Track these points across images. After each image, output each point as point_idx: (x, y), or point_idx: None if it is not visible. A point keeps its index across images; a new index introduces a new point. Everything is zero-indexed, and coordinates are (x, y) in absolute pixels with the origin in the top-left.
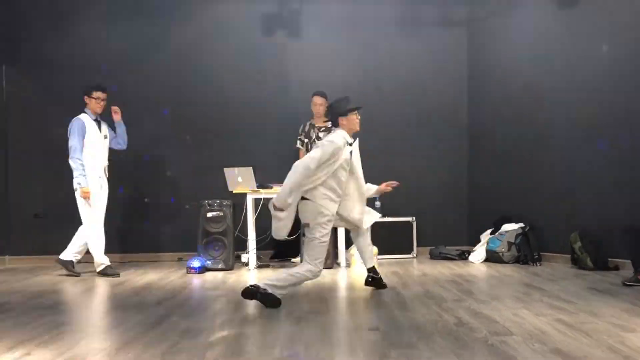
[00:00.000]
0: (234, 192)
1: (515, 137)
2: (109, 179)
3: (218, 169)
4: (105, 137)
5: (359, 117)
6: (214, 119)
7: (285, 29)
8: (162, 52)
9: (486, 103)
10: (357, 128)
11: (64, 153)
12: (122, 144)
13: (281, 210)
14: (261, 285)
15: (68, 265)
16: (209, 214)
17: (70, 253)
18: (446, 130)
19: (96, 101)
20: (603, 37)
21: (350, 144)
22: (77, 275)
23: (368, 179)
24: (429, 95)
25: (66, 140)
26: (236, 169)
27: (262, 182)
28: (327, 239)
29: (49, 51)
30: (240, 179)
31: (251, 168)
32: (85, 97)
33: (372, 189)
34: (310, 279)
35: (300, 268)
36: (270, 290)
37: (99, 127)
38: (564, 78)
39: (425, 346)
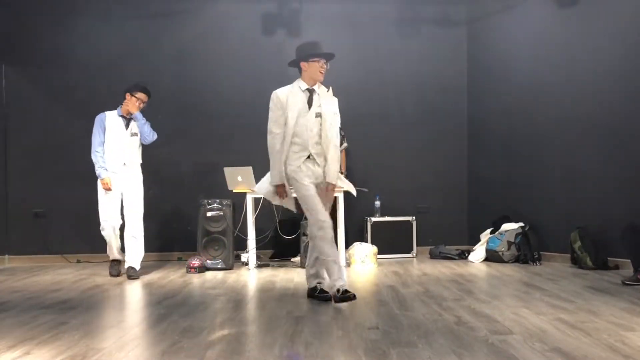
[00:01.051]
0: (234, 191)
1: (515, 136)
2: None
3: (218, 168)
4: (134, 134)
5: (325, 66)
6: (214, 118)
7: (285, 28)
8: (161, 51)
9: (486, 102)
10: (319, 78)
11: (64, 152)
12: (144, 139)
13: (281, 188)
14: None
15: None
16: (209, 214)
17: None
18: (446, 130)
19: (136, 100)
20: (603, 35)
21: (310, 91)
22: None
23: (367, 178)
24: (429, 95)
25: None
26: (236, 169)
27: None
28: (308, 192)
29: (49, 50)
30: (240, 179)
31: (251, 168)
32: (127, 93)
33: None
34: (323, 230)
35: (310, 234)
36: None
37: (127, 124)
38: (563, 77)
39: (425, 345)
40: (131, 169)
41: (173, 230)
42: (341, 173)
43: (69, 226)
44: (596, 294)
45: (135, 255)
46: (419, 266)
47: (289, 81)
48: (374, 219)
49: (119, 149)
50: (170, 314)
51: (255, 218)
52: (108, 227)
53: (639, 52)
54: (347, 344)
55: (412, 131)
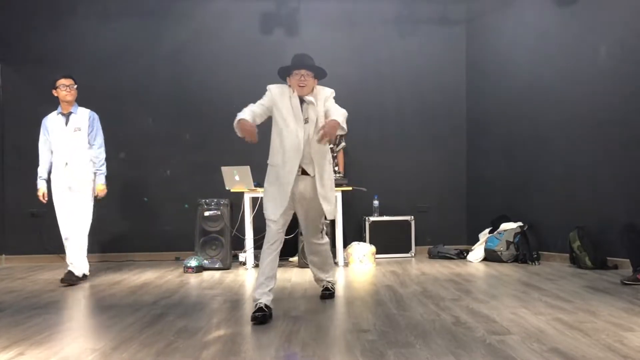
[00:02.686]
0: (232, 191)
1: (514, 136)
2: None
3: (215, 167)
4: (77, 129)
5: (303, 78)
6: (212, 118)
7: (283, 27)
8: (159, 51)
9: (485, 101)
10: (300, 92)
11: None
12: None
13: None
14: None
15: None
16: (207, 213)
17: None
18: (444, 129)
19: (62, 89)
20: (602, 34)
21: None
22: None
23: (366, 178)
24: (427, 94)
25: None
26: (234, 168)
27: (260, 181)
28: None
29: (45, 49)
30: (237, 178)
31: (248, 167)
32: (53, 90)
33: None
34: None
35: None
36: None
37: (66, 121)
38: (562, 76)
39: (422, 345)
40: (74, 168)
41: (170, 230)
42: (339, 173)
43: None
44: (595, 293)
45: (72, 258)
46: (417, 266)
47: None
48: (372, 219)
49: (60, 148)
50: (166, 314)
51: (253, 217)
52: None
53: (638, 51)
54: (344, 344)
55: (410, 130)
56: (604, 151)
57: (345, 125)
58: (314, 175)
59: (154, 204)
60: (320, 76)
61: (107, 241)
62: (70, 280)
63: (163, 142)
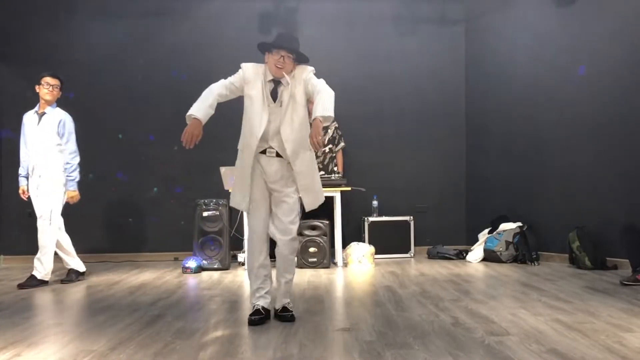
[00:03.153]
0: (230, 191)
1: (513, 136)
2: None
3: (213, 168)
4: (46, 131)
5: (283, 60)
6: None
7: (281, 27)
8: (157, 50)
9: (484, 101)
10: (276, 73)
11: None
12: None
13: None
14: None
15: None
16: (205, 214)
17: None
18: (444, 129)
19: (46, 88)
20: (601, 34)
21: (275, 82)
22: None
23: (364, 178)
24: (427, 94)
25: None
26: (232, 168)
27: None
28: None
29: (43, 48)
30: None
31: None
32: (37, 87)
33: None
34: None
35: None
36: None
37: (39, 120)
38: (562, 76)
39: (421, 346)
40: (42, 170)
41: (168, 230)
42: (337, 173)
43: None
44: (594, 294)
45: (36, 262)
46: (416, 266)
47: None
48: (371, 219)
49: (31, 148)
50: (164, 314)
51: None
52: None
53: (637, 51)
54: (342, 345)
55: (409, 130)
56: (603, 151)
57: (332, 111)
58: (288, 160)
59: (153, 204)
60: (301, 61)
61: (105, 241)
62: (30, 284)
63: (161, 141)
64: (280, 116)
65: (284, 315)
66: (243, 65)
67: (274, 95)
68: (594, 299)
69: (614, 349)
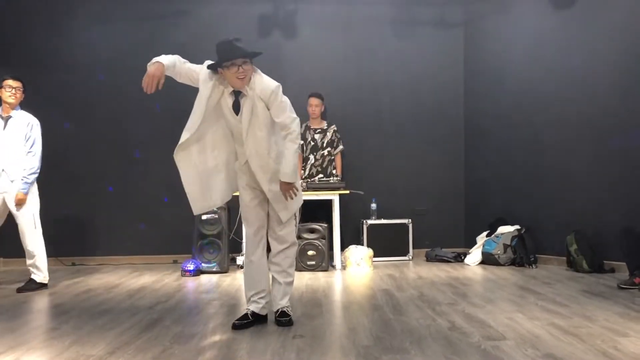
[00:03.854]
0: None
1: (512, 139)
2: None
3: None
4: (14, 136)
5: (243, 70)
6: None
7: (280, 29)
8: (156, 53)
9: (482, 104)
10: (238, 85)
11: (58, 154)
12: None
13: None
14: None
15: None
16: (204, 216)
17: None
18: (442, 132)
19: (7, 90)
20: (599, 37)
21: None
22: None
23: (363, 181)
24: (425, 97)
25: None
26: None
27: None
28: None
29: (42, 52)
30: None
31: None
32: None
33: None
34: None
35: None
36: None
37: (5, 124)
38: (560, 79)
39: (417, 351)
40: (11, 176)
41: (168, 233)
42: (336, 176)
43: (63, 229)
44: (591, 297)
45: (32, 268)
46: (414, 269)
47: (284, 82)
48: (370, 222)
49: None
50: (162, 318)
51: None
52: None
53: (636, 54)
54: (339, 349)
55: (408, 133)
56: (601, 154)
57: (293, 177)
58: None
59: (152, 206)
60: (255, 56)
61: (104, 244)
62: (29, 287)
63: (161, 143)
64: (243, 131)
65: (281, 321)
66: (205, 63)
67: (236, 107)
68: (591, 303)
69: (609, 353)
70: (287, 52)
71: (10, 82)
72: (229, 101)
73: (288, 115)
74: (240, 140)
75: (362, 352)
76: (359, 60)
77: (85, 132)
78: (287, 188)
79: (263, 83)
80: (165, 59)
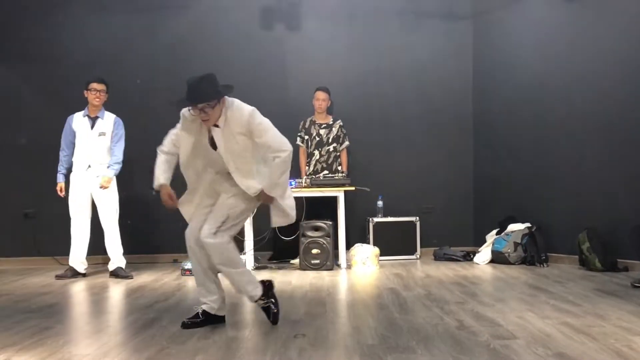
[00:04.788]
0: None
1: (521, 135)
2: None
3: None
4: (102, 134)
5: (202, 113)
6: None
7: (283, 22)
8: (157, 46)
9: (492, 100)
10: (206, 126)
11: (55, 150)
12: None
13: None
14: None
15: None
16: None
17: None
18: (450, 128)
19: (92, 93)
20: (611, 31)
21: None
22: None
23: (369, 178)
24: (433, 91)
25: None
26: None
27: None
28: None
29: (39, 45)
30: None
31: None
32: (85, 91)
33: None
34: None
35: None
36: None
37: (92, 124)
38: (571, 73)
39: (424, 351)
40: (96, 170)
41: (168, 231)
42: (342, 173)
43: (60, 227)
44: (604, 296)
45: (114, 255)
46: (422, 268)
47: (288, 76)
48: (376, 220)
49: (84, 150)
50: (160, 318)
51: (253, 218)
52: (73, 226)
53: None
54: (343, 349)
55: (415, 129)
56: (614, 150)
57: (277, 192)
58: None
59: (152, 204)
60: (225, 94)
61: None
62: (118, 274)
63: (161, 139)
64: (227, 162)
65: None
66: (182, 112)
67: (212, 141)
68: (604, 302)
69: (622, 353)
70: (290, 46)
71: (95, 85)
72: (206, 136)
73: (272, 135)
74: (223, 168)
75: (367, 351)
76: (364, 54)
77: None
78: (268, 199)
79: (235, 116)
80: (163, 177)
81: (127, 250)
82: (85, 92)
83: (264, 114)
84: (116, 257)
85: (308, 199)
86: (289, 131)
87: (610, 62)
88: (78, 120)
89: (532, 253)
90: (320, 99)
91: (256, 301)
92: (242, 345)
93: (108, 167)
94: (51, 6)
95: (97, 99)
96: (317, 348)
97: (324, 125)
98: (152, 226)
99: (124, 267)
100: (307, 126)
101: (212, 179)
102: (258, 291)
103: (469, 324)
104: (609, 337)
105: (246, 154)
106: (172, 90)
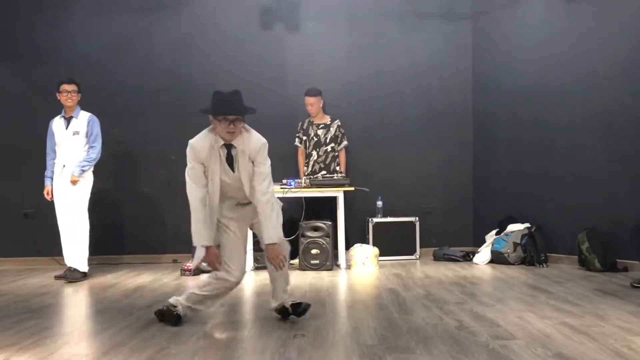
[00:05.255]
0: None
1: (521, 135)
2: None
3: None
4: (76, 133)
5: (232, 127)
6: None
7: (283, 22)
8: (155, 46)
9: (491, 100)
10: (227, 138)
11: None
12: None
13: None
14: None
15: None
16: None
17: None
18: (450, 128)
19: (64, 95)
20: (612, 30)
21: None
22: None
23: (369, 178)
24: (433, 91)
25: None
26: None
27: None
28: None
29: (37, 45)
30: None
31: None
32: (57, 94)
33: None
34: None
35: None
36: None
37: (67, 124)
38: (571, 73)
39: (423, 351)
40: (71, 169)
41: (167, 231)
42: (340, 173)
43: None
44: (604, 296)
45: (73, 256)
46: (421, 268)
47: (287, 76)
48: (375, 220)
49: (61, 151)
50: None
51: None
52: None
53: None
54: (342, 349)
55: (415, 129)
56: (614, 151)
57: (275, 238)
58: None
59: (151, 204)
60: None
61: (102, 242)
62: (72, 277)
63: (160, 139)
64: (237, 182)
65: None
66: (191, 144)
67: (230, 161)
68: (603, 302)
69: (622, 353)
70: (290, 46)
71: (65, 86)
72: (222, 155)
73: (269, 172)
74: (232, 190)
75: (366, 352)
76: (364, 54)
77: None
78: (275, 253)
79: (252, 139)
80: (207, 235)
81: (126, 251)
82: (57, 94)
83: (264, 115)
84: (76, 258)
85: (307, 199)
86: (288, 131)
87: (610, 62)
88: (56, 123)
89: (532, 253)
90: (309, 104)
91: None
92: (240, 346)
93: (77, 165)
94: (50, 6)
95: (70, 100)
96: (316, 348)
97: (321, 126)
98: (152, 227)
99: (81, 270)
100: (305, 127)
101: (236, 209)
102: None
103: (469, 324)
104: (609, 337)
105: (248, 180)
106: (171, 91)
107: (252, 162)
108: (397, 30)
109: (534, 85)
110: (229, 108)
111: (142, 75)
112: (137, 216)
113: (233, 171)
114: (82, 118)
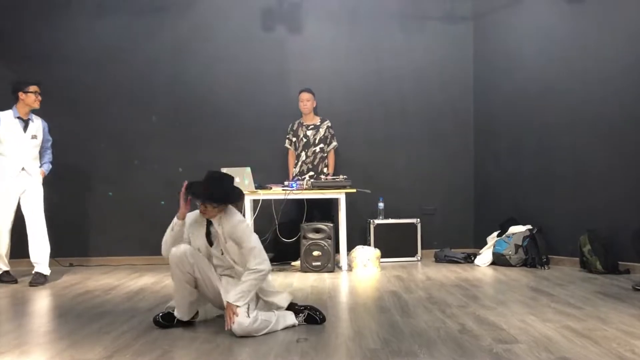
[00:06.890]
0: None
1: (523, 136)
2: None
3: (215, 168)
4: (34, 137)
5: (203, 207)
6: (211, 116)
7: (284, 23)
8: (156, 47)
9: (492, 101)
10: (202, 216)
11: (56, 151)
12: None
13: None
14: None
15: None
16: None
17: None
18: (451, 129)
19: (34, 95)
20: (613, 31)
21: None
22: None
23: (370, 179)
24: (434, 93)
25: None
26: (234, 169)
27: (261, 183)
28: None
29: (38, 46)
30: (238, 180)
31: (249, 168)
32: (19, 92)
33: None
34: None
35: None
36: None
37: (25, 127)
38: (573, 74)
39: (426, 355)
40: (30, 173)
41: None
42: (327, 174)
43: (62, 229)
44: (606, 299)
45: (41, 259)
46: (423, 270)
47: (288, 78)
48: (377, 222)
49: (16, 153)
50: None
51: (254, 220)
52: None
53: None
54: (345, 353)
55: (416, 130)
56: (615, 153)
57: (243, 301)
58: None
59: (152, 205)
60: (231, 202)
61: (104, 244)
62: (37, 281)
63: (161, 141)
64: (226, 262)
65: None
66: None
67: (209, 236)
68: (606, 305)
69: (625, 357)
70: (291, 47)
71: (36, 87)
72: (201, 228)
73: (259, 248)
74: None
75: (369, 356)
76: (365, 55)
77: (83, 130)
78: (232, 309)
79: (229, 223)
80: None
81: (127, 252)
82: (20, 93)
83: (265, 115)
84: (45, 261)
85: (306, 200)
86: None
87: (612, 63)
88: (7, 121)
89: (533, 255)
90: (304, 100)
91: (299, 323)
92: (244, 349)
93: (41, 165)
94: (51, 7)
95: (38, 102)
96: (319, 352)
97: (311, 126)
98: (152, 228)
99: (47, 275)
100: (294, 128)
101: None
102: (291, 319)
103: (471, 327)
104: (611, 341)
105: (235, 255)
106: (172, 92)
107: (235, 241)
108: (399, 32)
109: (535, 86)
110: (196, 190)
111: (143, 76)
112: (139, 217)
113: (211, 245)
114: (37, 122)
